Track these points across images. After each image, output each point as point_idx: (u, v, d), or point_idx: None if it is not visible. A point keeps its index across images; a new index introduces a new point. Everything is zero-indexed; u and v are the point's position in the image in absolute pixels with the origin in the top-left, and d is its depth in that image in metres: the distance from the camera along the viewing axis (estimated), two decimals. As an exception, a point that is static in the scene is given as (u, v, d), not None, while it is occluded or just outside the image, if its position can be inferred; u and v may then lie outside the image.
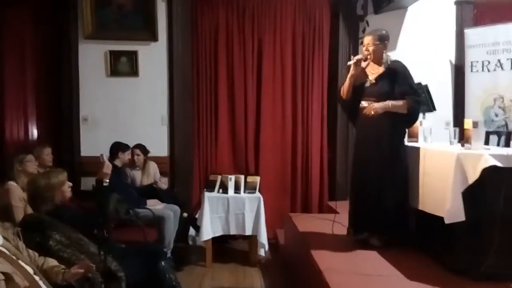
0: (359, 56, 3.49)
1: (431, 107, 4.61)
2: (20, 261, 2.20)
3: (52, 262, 2.41)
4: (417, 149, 3.33)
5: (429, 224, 3.20)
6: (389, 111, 3.32)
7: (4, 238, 2.23)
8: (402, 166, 3.38)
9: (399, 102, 3.32)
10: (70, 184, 2.88)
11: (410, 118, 3.40)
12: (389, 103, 3.32)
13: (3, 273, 2.03)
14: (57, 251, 2.50)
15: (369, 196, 3.40)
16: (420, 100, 3.46)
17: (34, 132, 5.07)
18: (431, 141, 3.58)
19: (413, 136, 3.60)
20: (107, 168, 2.93)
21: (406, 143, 3.50)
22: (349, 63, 3.50)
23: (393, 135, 3.38)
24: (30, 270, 2.21)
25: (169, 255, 3.91)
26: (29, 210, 3.02)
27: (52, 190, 2.74)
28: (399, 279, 2.86)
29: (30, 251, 2.37)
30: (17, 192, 3.57)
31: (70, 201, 2.95)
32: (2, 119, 4.90)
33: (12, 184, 3.61)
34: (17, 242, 2.30)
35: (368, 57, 3.46)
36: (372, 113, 3.33)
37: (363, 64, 3.50)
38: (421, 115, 3.75)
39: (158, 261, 2.91)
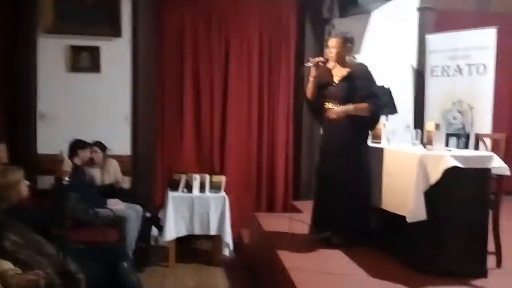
0: (319, 58, 3.53)
1: (393, 110, 4.72)
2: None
3: (6, 264, 2.28)
4: (380, 150, 3.40)
5: (390, 223, 3.27)
6: (351, 114, 3.38)
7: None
8: (365, 167, 3.45)
9: (361, 105, 3.38)
10: (27, 182, 2.75)
11: (371, 121, 3.48)
12: (350, 106, 3.38)
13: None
14: (13, 252, 2.36)
15: (332, 196, 3.46)
16: (380, 103, 3.55)
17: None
18: (393, 142, 3.67)
19: (377, 138, 3.67)
20: (67, 165, 2.84)
21: (370, 144, 3.56)
22: (306, 64, 3.54)
23: (355, 136, 3.45)
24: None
25: (130, 255, 3.82)
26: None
27: (8, 189, 2.61)
28: (362, 277, 2.92)
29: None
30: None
31: (27, 200, 2.82)
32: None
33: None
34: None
35: (331, 59, 3.50)
36: (335, 116, 3.38)
37: (329, 65, 3.54)
38: (384, 117, 3.84)
39: (119, 262, 2.83)
